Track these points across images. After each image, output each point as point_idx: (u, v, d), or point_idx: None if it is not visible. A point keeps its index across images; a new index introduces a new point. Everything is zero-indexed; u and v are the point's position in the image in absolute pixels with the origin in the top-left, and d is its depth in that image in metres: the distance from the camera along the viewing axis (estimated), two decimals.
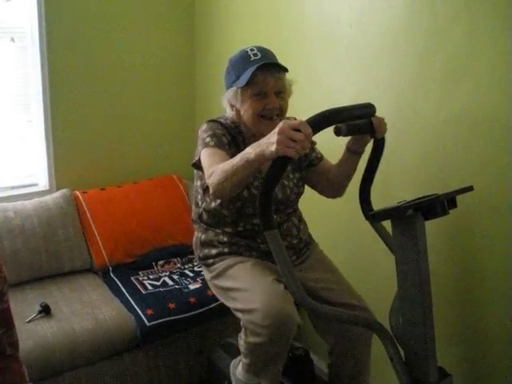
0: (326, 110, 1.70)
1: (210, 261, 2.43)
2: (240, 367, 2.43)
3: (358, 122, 1.96)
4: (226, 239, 2.38)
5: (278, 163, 1.66)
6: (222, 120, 2.30)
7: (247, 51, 2.19)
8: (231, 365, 2.59)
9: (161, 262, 3.62)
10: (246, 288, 2.21)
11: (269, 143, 1.67)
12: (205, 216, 2.42)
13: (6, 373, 1.10)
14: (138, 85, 4.05)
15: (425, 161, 2.49)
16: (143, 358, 3.02)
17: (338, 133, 1.84)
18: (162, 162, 4.25)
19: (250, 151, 1.78)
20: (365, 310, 2.36)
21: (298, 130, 1.62)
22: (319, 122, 1.68)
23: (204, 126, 2.27)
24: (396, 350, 1.82)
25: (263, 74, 2.13)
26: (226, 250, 2.38)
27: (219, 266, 2.38)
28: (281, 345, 2.16)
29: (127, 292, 3.24)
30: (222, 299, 2.41)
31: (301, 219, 2.55)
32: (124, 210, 3.74)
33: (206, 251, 2.45)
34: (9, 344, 1.14)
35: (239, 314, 2.24)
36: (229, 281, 2.32)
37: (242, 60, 2.19)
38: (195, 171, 2.38)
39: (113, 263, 3.55)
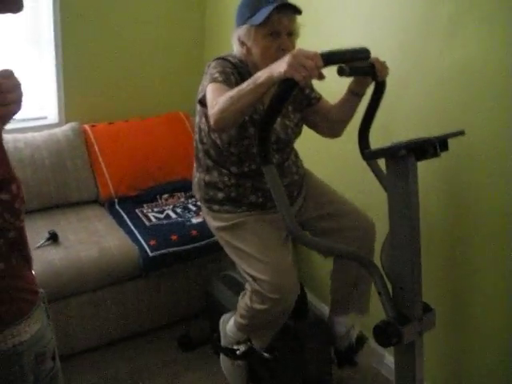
0: (339, 49, 1.77)
1: (216, 207, 2.46)
2: (232, 324, 2.52)
3: (361, 64, 2.02)
4: (232, 181, 2.40)
5: (284, 87, 1.73)
6: (230, 58, 2.30)
7: None
8: (221, 320, 2.65)
9: (165, 196, 3.71)
10: (256, 256, 2.28)
11: (279, 65, 1.73)
12: (212, 153, 2.41)
13: (21, 279, 1.19)
14: (148, 21, 4.05)
15: (426, 106, 2.54)
16: (145, 287, 3.15)
17: (340, 72, 1.87)
18: (170, 98, 4.26)
19: (259, 74, 1.83)
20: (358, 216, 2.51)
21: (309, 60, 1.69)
22: (331, 56, 1.75)
23: (213, 63, 2.26)
24: (384, 285, 1.88)
25: (278, 14, 2.14)
26: (232, 194, 2.41)
27: (226, 218, 2.42)
28: (282, 315, 2.30)
29: (131, 223, 3.35)
30: (230, 253, 2.46)
31: (297, 155, 2.61)
32: (131, 144, 3.82)
33: (212, 193, 2.46)
34: (24, 260, 1.22)
35: (247, 277, 2.34)
36: (238, 240, 2.38)
37: None
38: (198, 108, 2.36)
39: (118, 196, 3.65)
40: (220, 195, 2.43)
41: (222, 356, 2.63)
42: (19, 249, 1.19)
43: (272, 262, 2.24)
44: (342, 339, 2.62)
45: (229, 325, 2.56)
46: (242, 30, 2.24)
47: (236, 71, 2.25)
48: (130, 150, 3.80)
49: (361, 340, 2.64)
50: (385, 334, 1.80)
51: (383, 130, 2.52)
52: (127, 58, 4.06)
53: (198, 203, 3.44)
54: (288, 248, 2.39)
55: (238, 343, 2.51)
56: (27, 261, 1.23)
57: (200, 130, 2.44)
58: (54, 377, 1.26)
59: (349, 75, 1.94)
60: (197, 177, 2.55)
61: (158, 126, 4.01)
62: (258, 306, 2.27)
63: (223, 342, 2.59)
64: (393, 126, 2.67)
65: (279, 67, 1.72)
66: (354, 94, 2.28)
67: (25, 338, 1.16)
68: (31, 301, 1.21)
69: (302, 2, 2.21)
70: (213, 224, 2.51)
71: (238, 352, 2.50)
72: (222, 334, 2.60)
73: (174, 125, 4.10)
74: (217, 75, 2.15)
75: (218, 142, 2.34)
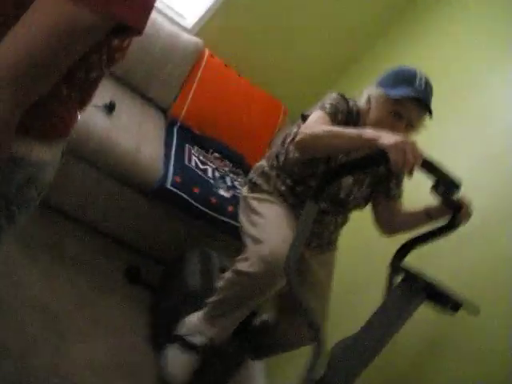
0: (440, 164, 1.78)
1: (257, 189, 2.51)
2: (196, 316, 2.53)
3: (450, 195, 2.01)
4: (282, 188, 2.42)
5: (375, 155, 1.74)
6: (350, 102, 2.30)
7: (416, 74, 2.15)
8: (182, 322, 2.61)
9: (216, 155, 3.75)
10: (268, 218, 2.35)
11: (389, 137, 1.73)
12: (281, 158, 2.44)
13: (67, 112, 1.23)
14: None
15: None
16: (142, 206, 3.19)
17: (435, 187, 1.87)
18: (294, 88, 4.30)
19: (368, 131, 1.84)
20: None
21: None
22: (430, 165, 1.75)
23: (333, 95, 2.28)
24: (320, 353, 1.92)
25: (413, 104, 2.13)
26: (272, 197, 2.43)
27: (262, 192, 2.48)
28: (262, 287, 2.29)
29: (175, 151, 3.39)
30: (244, 217, 2.50)
31: (343, 225, 2.58)
32: (226, 94, 3.88)
33: (260, 181, 2.51)
34: (80, 102, 1.26)
35: (248, 240, 2.38)
36: (262, 208, 2.42)
37: (408, 77, 2.16)
38: (300, 120, 2.35)
39: (183, 122, 3.69)
40: (265, 187, 2.48)
41: (170, 347, 2.59)
42: (85, 90, 1.23)
43: (282, 238, 2.24)
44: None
45: (191, 318, 2.56)
46: (375, 91, 2.24)
47: (346, 115, 2.24)
48: (222, 97, 3.85)
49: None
50: None
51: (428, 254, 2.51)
52: (288, 29, 4.11)
53: (236, 184, 3.49)
54: None
55: (196, 335, 2.51)
56: (82, 104, 1.26)
57: (289, 135, 2.45)
58: (27, 206, 1.29)
59: (439, 195, 1.94)
60: (260, 163, 2.61)
61: (257, 100, 4.06)
62: (244, 268, 2.28)
63: (180, 331, 2.57)
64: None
65: (388, 138, 1.73)
66: (427, 215, 2.26)
67: (42, 157, 1.20)
68: (64, 132, 1.25)
69: (436, 112, 2.19)
70: (245, 193, 2.57)
71: (195, 342, 2.49)
72: (181, 328, 2.58)
73: (271, 110, 4.13)
74: (328, 106, 2.18)
75: (291, 155, 2.37)
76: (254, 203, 2.47)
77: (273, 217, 2.37)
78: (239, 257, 2.39)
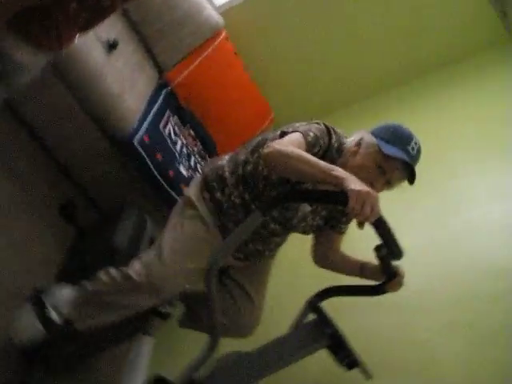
0: (391, 229, 1.79)
1: (207, 195, 2.35)
2: (68, 291, 2.45)
3: (389, 264, 2.02)
4: (236, 200, 2.27)
5: (336, 195, 1.73)
6: (334, 137, 2.22)
7: (412, 138, 2.14)
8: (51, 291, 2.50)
9: (191, 132, 3.74)
10: (186, 242, 2.28)
11: (356, 184, 1.72)
12: (248, 167, 2.26)
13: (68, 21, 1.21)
14: None
15: None
16: (111, 156, 3.20)
17: (378, 250, 1.89)
18: (288, 99, 4.40)
19: (339, 170, 1.81)
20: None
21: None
22: (382, 224, 1.74)
23: (321, 127, 2.20)
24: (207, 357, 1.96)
25: (400, 166, 2.11)
26: (225, 205, 2.30)
27: (203, 208, 2.34)
28: (135, 300, 2.28)
29: (155, 112, 3.36)
30: (172, 222, 2.41)
31: (282, 244, 2.56)
32: (224, 79, 3.93)
33: (215, 185, 2.34)
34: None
35: (157, 244, 2.34)
36: (190, 224, 2.33)
37: (404, 138, 2.14)
38: (277, 135, 2.21)
39: (174, 90, 3.66)
40: (218, 195, 2.33)
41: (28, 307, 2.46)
42: (93, 15, 1.21)
43: (181, 271, 2.24)
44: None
45: (60, 296, 2.45)
46: (369, 138, 2.18)
47: (326, 147, 2.18)
48: (219, 82, 3.89)
49: (165, 314, 2.70)
50: None
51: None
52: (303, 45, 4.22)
53: (199, 165, 3.47)
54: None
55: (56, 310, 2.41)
56: (85, 28, 1.25)
57: (262, 146, 2.26)
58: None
59: (378, 258, 1.96)
60: (222, 162, 2.43)
61: (251, 98, 4.15)
62: (133, 274, 2.25)
63: (46, 298, 2.46)
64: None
65: (354, 184, 1.71)
66: (361, 270, 2.29)
67: (25, 60, 1.18)
68: (56, 47, 1.24)
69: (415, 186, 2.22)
70: (192, 194, 2.40)
71: (50, 317, 2.39)
72: (48, 301, 2.44)
73: (260, 112, 4.23)
74: (311, 135, 2.10)
75: (260, 168, 2.21)
76: (188, 215, 2.37)
77: (191, 244, 2.30)
78: (141, 256, 2.36)
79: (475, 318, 2.53)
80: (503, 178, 3.19)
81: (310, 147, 2.07)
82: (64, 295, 2.43)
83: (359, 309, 2.64)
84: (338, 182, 1.76)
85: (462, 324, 2.54)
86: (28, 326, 2.39)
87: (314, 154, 2.05)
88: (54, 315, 2.37)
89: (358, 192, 1.68)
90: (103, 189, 3.29)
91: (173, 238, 2.32)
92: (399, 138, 2.13)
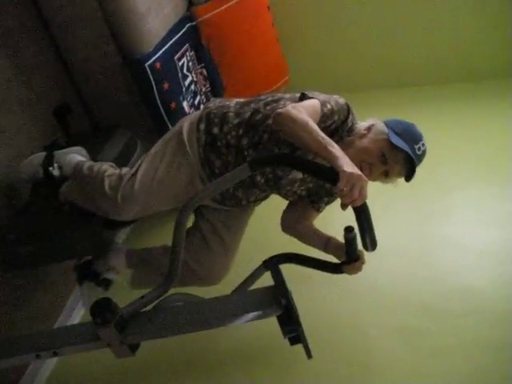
0: (371, 220, 1.79)
1: (203, 127, 2.31)
2: (74, 161, 2.59)
3: (354, 247, 2.05)
4: (231, 141, 2.24)
5: (326, 170, 1.72)
6: (350, 117, 2.22)
7: (422, 140, 2.16)
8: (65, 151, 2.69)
9: (204, 72, 3.70)
10: (166, 179, 2.30)
11: (348, 164, 1.71)
12: (257, 116, 2.23)
13: None
14: None
15: None
16: (118, 72, 3.16)
17: (347, 230, 1.94)
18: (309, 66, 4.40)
19: (336, 148, 1.79)
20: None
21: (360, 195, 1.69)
22: (365, 213, 1.72)
23: (341, 101, 2.19)
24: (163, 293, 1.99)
25: (403, 160, 2.12)
26: (219, 143, 2.27)
27: (191, 146, 2.30)
28: (99, 204, 2.38)
29: (174, 42, 3.30)
30: (157, 149, 2.39)
31: (263, 200, 2.58)
32: (250, 29, 3.91)
33: (217, 120, 2.29)
34: None
35: (135, 168, 2.36)
36: (168, 155, 2.33)
37: (414, 137, 2.15)
38: (296, 96, 2.22)
39: (198, 25, 3.60)
40: (216, 130, 2.28)
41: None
42: None
43: (151, 196, 2.30)
44: (102, 264, 2.67)
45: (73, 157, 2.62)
46: (381, 127, 2.19)
47: (340, 124, 2.19)
48: (245, 30, 3.87)
49: (108, 281, 2.71)
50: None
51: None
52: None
53: (202, 106, 3.43)
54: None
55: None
56: None
57: (279, 104, 2.24)
58: None
59: (345, 238, 2.00)
60: (229, 103, 2.38)
61: (272, 55, 4.17)
62: (107, 185, 2.34)
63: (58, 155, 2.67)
64: None
65: (347, 166, 1.70)
66: (325, 245, 2.33)
67: None
68: None
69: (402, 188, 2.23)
70: (186, 123, 2.38)
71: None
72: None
73: (277, 71, 4.25)
74: (328, 107, 2.11)
75: (269, 121, 2.18)
76: (172, 147, 2.34)
77: (164, 176, 2.30)
78: (126, 168, 2.43)
79: (424, 330, 2.58)
80: (489, 204, 3.24)
81: (325, 118, 2.09)
82: (72, 160, 2.61)
83: (318, 285, 2.66)
84: (332, 158, 1.75)
85: (409, 331, 2.58)
86: (33, 166, 2.64)
87: (327, 127, 2.09)
88: (55, 171, 2.59)
89: (350, 174, 1.67)
90: (103, 104, 3.27)
91: (150, 165, 2.34)
92: (410, 134, 2.15)
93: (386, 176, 2.18)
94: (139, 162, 2.39)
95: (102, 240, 2.63)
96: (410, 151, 2.09)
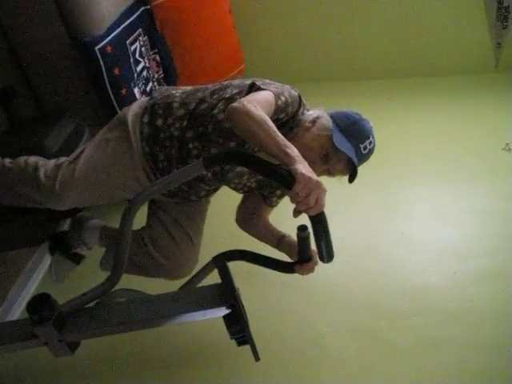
0: (328, 230, 1.71)
1: (146, 119, 2.22)
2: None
3: (307, 248, 1.97)
4: (175, 133, 2.15)
5: (282, 173, 1.61)
6: (301, 109, 2.14)
7: (368, 138, 2.05)
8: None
9: (157, 58, 3.60)
10: (100, 161, 2.21)
11: (306, 168, 1.61)
12: (202, 106, 2.15)
13: None
14: None
15: None
16: (67, 53, 3.02)
17: (300, 229, 1.86)
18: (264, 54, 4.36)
19: (291, 147, 1.69)
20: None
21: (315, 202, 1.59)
22: (322, 223, 1.65)
23: (294, 93, 2.10)
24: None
25: (345, 161, 2.03)
26: (162, 135, 2.18)
27: (134, 136, 2.21)
28: (31, 197, 2.24)
29: (126, 26, 3.20)
30: (109, 127, 2.31)
31: (215, 192, 2.51)
32: (205, 15, 3.82)
33: (160, 111, 2.20)
34: None
35: (80, 151, 2.26)
36: (112, 142, 2.23)
37: (360, 134, 2.06)
38: (246, 85, 2.10)
39: (153, 9, 3.50)
40: (159, 121, 2.19)
41: None
42: None
43: (92, 186, 2.20)
44: (76, 238, 2.62)
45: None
46: (326, 121, 2.08)
47: (291, 115, 2.09)
48: (200, 16, 3.77)
49: (79, 256, 2.67)
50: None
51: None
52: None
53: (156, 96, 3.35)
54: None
55: None
56: None
57: (226, 93, 2.15)
58: None
59: (299, 238, 1.92)
60: (174, 92, 2.29)
61: (227, 43, 4.11)
62: (43, 175, 2.21)
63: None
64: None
65: (305, 170, 1.59)
66: (278, 243, 2.29)
67: None
68: None
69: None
70: (130, 114, 2.26)
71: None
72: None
73: (232, 59, 4.19)
74: (282, 99, 2.00)
75: (215, 111, 2.09)
76: (116, 135, 2.24)
77: (107, 165, 2.20)
78: (63, 158, 2.28)
79: (376, 328, 2.56)
80: (447, 200, 3.23)
81: (278, 111, 1.99)
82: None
83: (267, 283, 2.61)
84: (289, 161, 1.64)
85: (361, 329, 2.56)
86: None
87: (278, 120, 1.98)
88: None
89: (308, 179, 1.56)
90: (50, 87, 3.11)
91: (93, 153, 2.23)
92: (356, 132, 2.06)
93: (328, 173, 2.10)
94: (81, 148, 2.29)
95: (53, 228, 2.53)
96: (352, 154, 2.00)
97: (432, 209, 3.22)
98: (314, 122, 2.09)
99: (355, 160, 2.00)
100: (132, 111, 2.27)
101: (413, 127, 3.96)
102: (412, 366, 2.38)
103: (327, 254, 1.74)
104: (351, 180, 2.06)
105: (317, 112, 2.15)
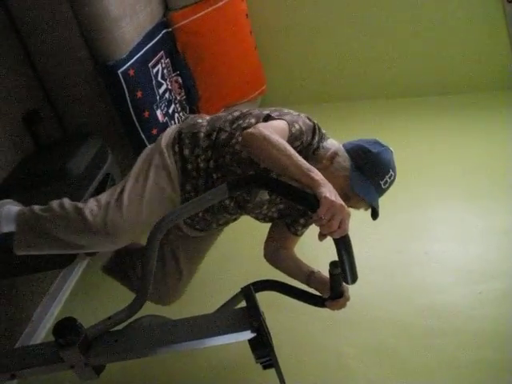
0: (352, 253, 1.70)
1: (177, 149, 2.22)
2: (14, 207, 2.32)
3: (338, 281, 1.98)
4: (201, 164, 2.15)
5: (306, 196, 1.63)
6: (317, 137, 2.11)
7: (389, 172, 2.00)
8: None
9: (179, 80, 3.63)
10: (148, 197, 2.17)
11: (331, 191, 1.62)
12: (222, 136, 2.14)
13: None
14: None
15: None
16: (91, 78, 3.05)
17: (333, 265, 1.87)
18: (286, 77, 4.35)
19: (314, 170, 1.69)
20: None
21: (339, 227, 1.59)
22: (347, 246, 1.65)
23: (309, 122, 2.08)
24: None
25: (364, 203, 2.01)
26: (189, 166, 2.19)
27: (170, 168, 2.20)
28: (83, 240, 2.16)
29: (149, 48, 3.24)
30: (141, 161, 2.28)
31: (234, 221, 2.47)
32: (228, 38, 3.86)
33: (187, 141, 2.21)
34: None
35: (119, 189, 2.21)
36: (152, 172, 2.20)
37: (379, 172, 1.99)
38: (263, 116, 2.09)
39: (174, 32, 3.54)
40: (187, 152, 2.19)
41: None
42: None
43: (141, 219, 2.15)
44: None
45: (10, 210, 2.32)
46: (343, 161, 2.03)
47: (306, 145, 2.07)
48: (222, 38, 3.82)
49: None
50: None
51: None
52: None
53: (177, 114, 3.36)
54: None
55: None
56: None
57: (243, 122, 2.15)
58: None
59: (330, 274, 1.94)
60: (201, 121, 2.28)
61: (249, 64, 4.11)
62: (87, 213, 2.12)
63: None
64: None
65: (329, 194, 1.60)
66: (308, 279, 2.22)
67: None
68: None
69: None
70: (164, 145, 2.25)
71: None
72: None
73: (253, 81, 4.20)
74: (296, 127, 1.99)
75: (233, 141, 2.09)
76: (155, 164, 2.22)
77: (151, 197, 2.18)
78: (98, 196, 2.23)
79: (400, 349, 2.54)
80: (469, 220, 3.22)
81: (292, 139, 1.96)
82: (11, 211, 2.28)
83: (290, 307, 2.59)
84: (314, 185, 1.64)
85: (385, 350, 2.55)
86: None
87: (294, 148, 1.89)
88: None
89: (332, 202, 1.57)
90: (74, 111, 3.15)
91: (135, 186, 2.19)
92: (375, 169, 2.00)
93: (351, 207, 1.99)
94: (120, 185, 2.24)
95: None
96: (372, 197, 1.98)
97: (455, 229, 3.18)
98: (332, 158, 2.05)
99: (376, 204, 1.98)
100: (164, 141, 2.26)
101: (431, 146, 3.92)
102: None
103: (351, 276, 1.73)
104: (374, 218, 2.03)
105: (334, 145, 2.11)
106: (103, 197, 2.21)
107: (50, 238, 2.19)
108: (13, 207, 2.31)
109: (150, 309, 2.10)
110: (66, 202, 2.23)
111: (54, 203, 2.24)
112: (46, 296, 3.04)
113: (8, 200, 2.35)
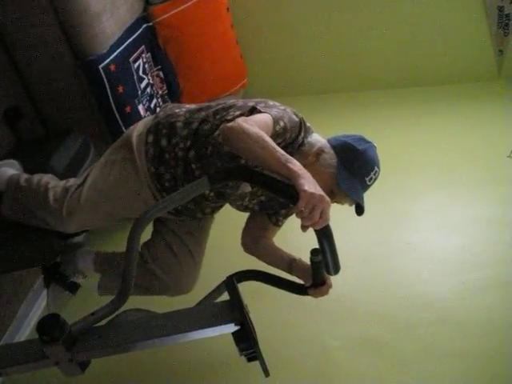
0: (334, 243, 1.70)
1: (151, 139, 2.20)
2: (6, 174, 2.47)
3: (320, 267, 1.95)
4: (179, 153, 2.13)
5: (286, 188, 1.62)
6: (303, 133, 2.09)
7: (374, 169, 2.02)
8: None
9: (160, 74, 3.61)
10: (105, 184, 2.23)
11: (310, 183, 1.59)
12: (205, 127, 2.11)
13: None
14: None
15: None
16: (72, 72, 3.03)
17: (313, 253, 1.87)
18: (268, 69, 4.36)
19: (293, 161, 1.67)
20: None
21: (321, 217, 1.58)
22: (328, 237, 1.64)
23: (296, 118, 2.05)
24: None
25: (349, 199, 2.01)
26: (166, 155, 2.16)
27: (139, 159, 2.20)
28: (42, 218, 2.29)
29: (129, 43, 3.23)
30: (113, 149, 2.32)
31: (220, 208, 2.48)
32: (208, 31, 3.83)
33: (165, 131, 2.18)
34: None
35: (81, 179, 2.28)
36: (117, 163, 2.24)
37: (365, 169, 2.00)
38: (247, 107, 2.04)
39: (155, 26, 3.53)
40: (164, 142, 2.17)
41: None
42: None
43: (98, 209, 2.23)
44: (70, 267, 2.60)
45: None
46: (329, 158, 2.03)
47: (291, 141, 2.05)
48: (203, 32, 3.78)
49: (75, 286, 2.65)
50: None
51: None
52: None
53: (158, 109, 3.34)
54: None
55: None
56: None
57: (228, 114, 2.09)
58: None
59: (312, 262, 1.94)
60: (178, 111, 2.26)
61: (231, 58, 4.10)
62: (52, 197, 2.26)
63: None
64: None
65: (309, 185, 1.57)
66: (289, 267, 2.24)
67: None
68: None
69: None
70: (135, 135, 2.25)
71: None
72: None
73: (235, 74, 4.19)
74: (281, 125, 1.96)
75: (216, 133, 2.04)
76: (121, 156, 2.25)
77: (113, 188, 2.22)
78: (73, 179, 2.34)
79: (385, 340, 2.56)
80: (453, 210, 3.23)
81: (275, 136, 1.93)
82: (6, 173, 2.48)
83: (275, 298, 2.60)
84: (292, 176, 1.62)
85: (370, 342, 2.57)
86: None
87: (277, 145, 1.85)
88: None
89: (311, 194, 1.55)
90: (55, 106, 3.13)
91: (99, 175, 2.25)
92: (361, 166, 2.01)
93: (336, 202, 2.03)
94: (87, 171, 2.31)
95: (63, 248, 2.52)
96: (358, 195, 1.99)
97: (438, 219, 3.21)
98: (317, 155, 2.05)
99: (362, 201, 1.99)
100: (137, 131, 2.27)
101: (417, 137, 3.94)
102: (421, 378, 2.38)
103: (334, 267, 1.73)
104: (359, 214, 2.04)
105: (320, 141, 2.10)
106: (72, 181, 2.33)
107: (23, 206, 2.33)
108: (9, 170, 2.51)
109: (134, 303, 2.10)
110: (45, 177, 2.38)
111: (36, 176, 2.41)
112: (30, 294, 3.03)
113: (11, 160, 2.58)
